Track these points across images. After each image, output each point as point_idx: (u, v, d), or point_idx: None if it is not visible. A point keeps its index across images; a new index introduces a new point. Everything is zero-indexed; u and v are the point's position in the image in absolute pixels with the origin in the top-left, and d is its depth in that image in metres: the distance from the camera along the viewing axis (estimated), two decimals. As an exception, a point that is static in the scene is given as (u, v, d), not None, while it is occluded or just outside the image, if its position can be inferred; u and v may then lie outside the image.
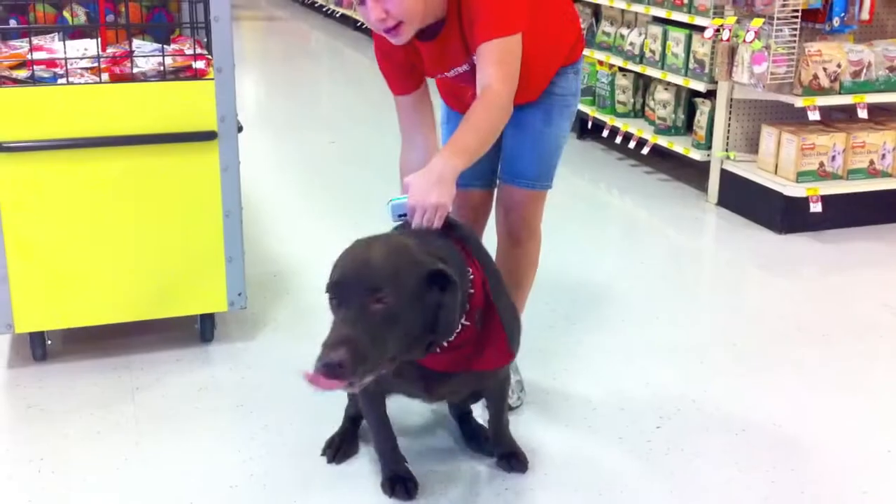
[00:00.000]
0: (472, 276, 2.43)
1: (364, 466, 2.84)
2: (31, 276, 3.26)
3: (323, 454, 2.88)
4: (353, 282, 2.17)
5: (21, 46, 3.38)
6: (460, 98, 3.03)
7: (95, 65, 3.25)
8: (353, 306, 2.13)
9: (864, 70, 4.89)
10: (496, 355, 2.51)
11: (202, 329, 3.59)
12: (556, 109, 3.01)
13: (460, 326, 2.36)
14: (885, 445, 3.00)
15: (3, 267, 3.22)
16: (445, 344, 2.36)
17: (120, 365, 3.44)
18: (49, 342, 3.47)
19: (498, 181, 3.13)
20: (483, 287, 2.45)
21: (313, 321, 3.80)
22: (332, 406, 3.15)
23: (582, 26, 6.71)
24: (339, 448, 2.89)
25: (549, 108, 3.00)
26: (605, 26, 6.51)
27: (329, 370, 2.05)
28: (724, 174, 5.28)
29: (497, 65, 2.61)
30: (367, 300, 2.14)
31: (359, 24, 11.79)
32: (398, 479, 2.70)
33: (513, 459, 2.82)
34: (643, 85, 6.25)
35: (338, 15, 12.70)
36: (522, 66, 2.70)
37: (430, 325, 2.27)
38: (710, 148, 5.40)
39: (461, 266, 2.38)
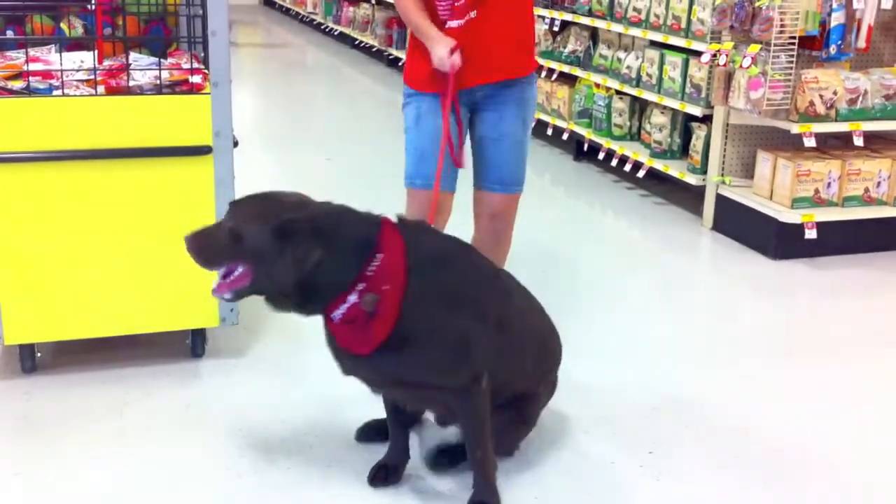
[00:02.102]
0: (377, 263, 2.49)
1: (358, 484, 2.82)
2: (21, 287, 3.24)
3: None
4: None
5: (17, 57, 3.37)
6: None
7: (91, 77, 3.24)
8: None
9: (861, 98, 4.91)
10: (362, 342, 2.53)
11: (193, 344, 3.57)
12: (529, 116, 3.42)
13: (348, 302, 2.48)
14: (881, 470, 2.99)
15: (-6, 278, 3.20)
16: (338, 315, 2.51)
17: (110, 379, 3.41)
18: (38, 354, 3.45)
19: (479, 190, 3.43)
20: (393, 278, 2.48)
21: (304, 338, 3.79)
22: (322, 424, 3.14)
23: (580, 48, 6.77)
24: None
25: (525, 116, 3.39)
26: (602, 49, 6.53)
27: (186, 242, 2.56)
28: (720, 199, 5.28)
29: None
30: (226, 220, 2.58)
31: (357, 42, 11.83)
32: (382, 467, 2.82)
33: None
34: (639, 108, 6.27)
35: (336, 33, 12.74)
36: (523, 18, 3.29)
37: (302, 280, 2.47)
38: (705, 172, 5.40)
39: (355, 245, 2.50)
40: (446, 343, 2.56)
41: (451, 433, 2.96)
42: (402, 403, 2.81)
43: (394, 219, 2.66)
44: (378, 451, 2.89)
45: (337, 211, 2.59)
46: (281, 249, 2.46)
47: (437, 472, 2.88)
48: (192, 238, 2.57)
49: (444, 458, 2.91)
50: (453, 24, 3.21)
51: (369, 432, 3.05)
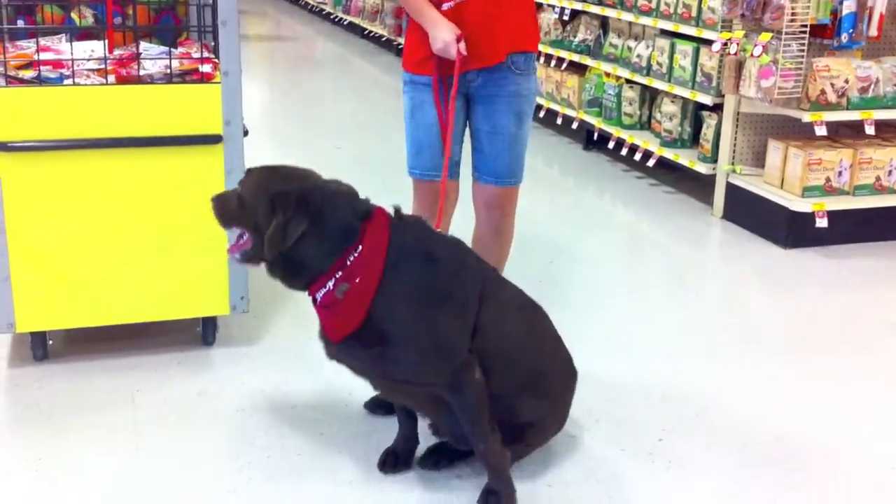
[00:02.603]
0: (355, 254, 2.52)
1: (368, 471, 2.83)
2: (33, 275, 3.25)
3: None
4: None
5: (28, 47, 3.38)
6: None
7: (102, 66, 3.25)
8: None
9: (872, 86, 4.88)
10: (334, 329, 2.59)
11: (204, 332, 3.58)
12: (525, 111, 3.35)
13: (326, 286, 2.53)
14: (888, 463, 2.98)
15: (6, 266, 3.21)
16: (319, 297, 2.57)
17: (121, 367, 3.42)
18: (50, 342, 3.46)
19: (476, 181, 3.41)
20: (367, 271, 2.50)
21: (314, 325, 3.79)
22: (332, 412, 3.14)
23: (590, 37, 6.75)
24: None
25: (519, 111, 3.33)
26: (612, 38, 6.51)
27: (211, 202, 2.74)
28: (730, 188, 5.27)
29: None
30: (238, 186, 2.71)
31: (366, 32, 11.81)
32: (391, 453, 2.85)
33: (480, 498, 2.68)
34: (650, 97, 6.25)
35: (345, 23, 12.72)
36: None
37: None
38: (715, 161, 5.39)
39: (338, 231, 2.53)
40: (419, 341, 2.54)
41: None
42: (390, 399, 2.83)
43: (391, 211, 2.66)
44: (389, 437, 2.90)
45: (332, 192, 2.60)
46: (271, 218, 2.53)
47: (424, 470, 2.84)
48: (216, 199, 2.74)
49: (431, 459, 2.85)
50: (445, 6, 3.19)
51: (374, 405, 3.13)
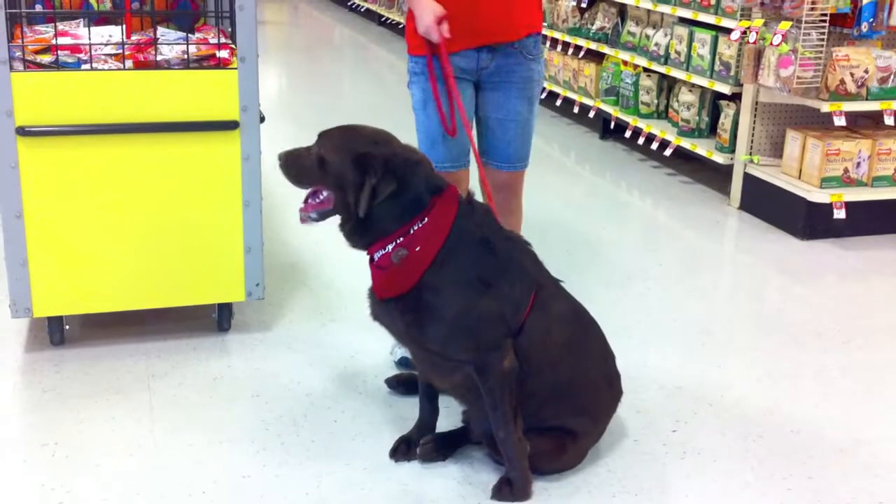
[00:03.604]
0: (419, 224, 2.58)
1: (382, 458, 2.84)
2: (50, 260, 3.26)
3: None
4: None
5: (46, 31, 3.39)
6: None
7: (119, 51, 3.25)
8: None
9: (892, 76, 4.84)
10: (382, 288, 2.66)
11: (219, 318, 3.59)
12: (535, 95, 3.35)
13: (386, 249, 2.60)
14: (903, 455, 2.98)
15: (23, 251, 3.22)
16: (376, 258, 2.64)
17: (137, 352, 3.44)
18: (67, 327, 3.48)
19: (486, 166, 3.35)
20: (427, 243, 2.57)
21: (330, 313, 3.81)
22: (346, 399, 3.15)
23: (608, 25, 6.70)
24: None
25: (531, 96, 3.33)
26: (630, 26, 6.47)
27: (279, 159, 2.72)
28: (748, 178, 5.24)
29: None
30: (314, 146, 2.72)
31: (383, 19, 11.79)
32: (404, 441, 2.86)
33: (496, 486, 2.68)
34: (667, 86, 6.22)
35: (362, 10, 12.70)
36: None
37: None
38: (733, 151, 5.36)
39: (411, 199, 2.59)
40: (453, 319, 2.57)
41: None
42: (424, 375, 2.82)
43: (462, 193, 2.70)
44: (403, 425, 2.91)
45: (413, 160, 2.65)
46: (360, 178, 2.57)
47: (425, 462, 2.83)
48: (286, 156, 2.71)
49: (428, 451, 2.84)
50: None
51: (395, 382, 3.19)
